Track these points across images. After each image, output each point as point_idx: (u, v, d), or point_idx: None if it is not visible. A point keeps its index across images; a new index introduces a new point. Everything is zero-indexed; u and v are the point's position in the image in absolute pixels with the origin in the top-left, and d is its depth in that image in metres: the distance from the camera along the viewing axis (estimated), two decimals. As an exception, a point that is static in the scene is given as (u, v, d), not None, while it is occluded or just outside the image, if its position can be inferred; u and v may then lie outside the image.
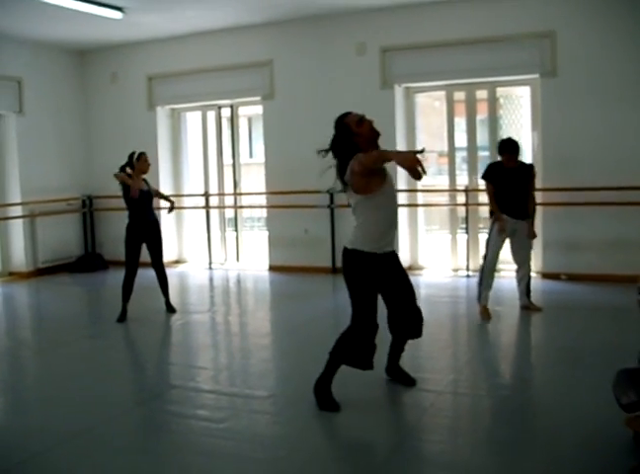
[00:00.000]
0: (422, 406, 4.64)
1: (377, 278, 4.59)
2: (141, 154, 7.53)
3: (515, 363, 5.81)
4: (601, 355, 5.46)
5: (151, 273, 7.79)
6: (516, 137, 7.33)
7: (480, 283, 7.12)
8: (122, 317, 7.54)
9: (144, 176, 7.60)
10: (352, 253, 4.57)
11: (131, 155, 7.54)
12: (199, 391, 5.10)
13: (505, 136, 7.49)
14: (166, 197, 8.13)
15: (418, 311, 4.83)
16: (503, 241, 7.05)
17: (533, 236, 7.15)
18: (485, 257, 7.14)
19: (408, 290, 4.78)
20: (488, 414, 4.58)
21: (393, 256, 4.70)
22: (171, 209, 8.07)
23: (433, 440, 4.11)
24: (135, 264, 7.63)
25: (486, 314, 7.03)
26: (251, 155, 18.12)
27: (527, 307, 7.24)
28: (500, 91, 9.83)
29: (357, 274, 4.57)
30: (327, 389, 4.63)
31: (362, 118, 4.55)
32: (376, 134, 4.56)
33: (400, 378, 5.09)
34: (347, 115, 4.61)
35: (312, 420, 4.43)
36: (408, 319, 4.81)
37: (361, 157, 4.34)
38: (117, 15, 9.10)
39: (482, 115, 9.88)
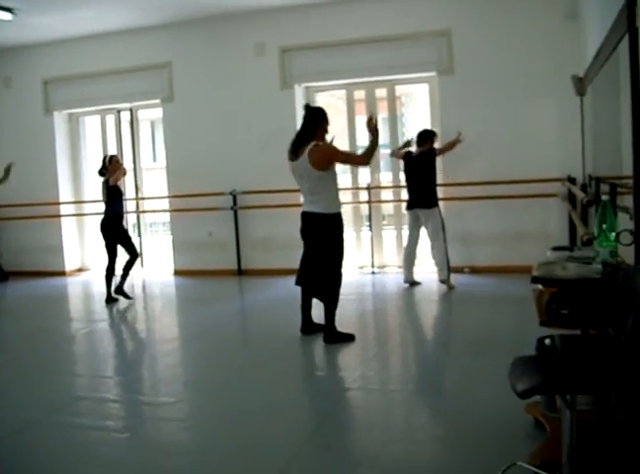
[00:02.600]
0: (328, 404, 4.65)
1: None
2: (112, 157, 8.54)
3: (418, 357, 5.87)
4: (503, 345, 5.58)
5: (57, 282, 7.75)
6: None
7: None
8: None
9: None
10: None
11: (104, 159, 8.54)
12: (103, 401, 4.96)
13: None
14: None
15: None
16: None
17: None
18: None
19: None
20: (395, 407, 4.62)
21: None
22: None
23: (339, 439, 4.12)
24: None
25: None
26: (154, 159, 17.85)
27: (443, 281, 8.05)
28: (401, 89, 9.98)
29: None
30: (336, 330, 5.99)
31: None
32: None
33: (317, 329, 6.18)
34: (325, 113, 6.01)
35: (219, 424, 4.36)
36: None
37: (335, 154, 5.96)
38: (6, 16, 8.79)
39: (384, 113, 9.99)
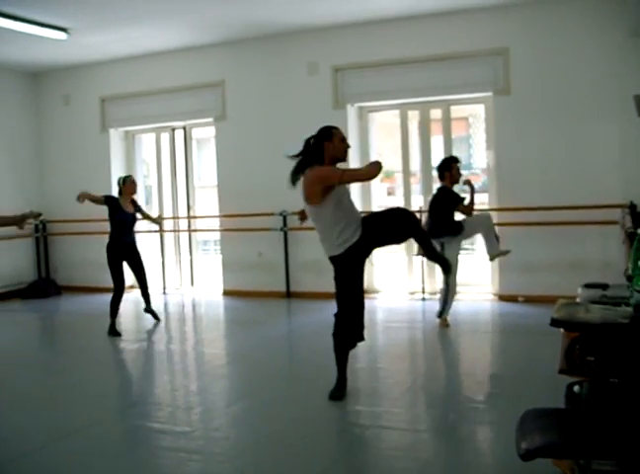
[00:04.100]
0: (346, 442, 4.39)
1: None
2: (126, 177, 8.08)
3: (449, 395, 5.49)
4: (537, 387, 5.19)
5: (108, 298, 8.00)
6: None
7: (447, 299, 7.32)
8: (112, 331, 7.81)
9: (134, 197, 8.08)
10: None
11: (118, 181, 8.06)
12: (117, 426, 4.83)
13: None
14: (152, 219, 8.64)
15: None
16: None
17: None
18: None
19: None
20: (413, 450, 4.30)
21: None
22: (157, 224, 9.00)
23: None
24: (121, 282, 7.96)
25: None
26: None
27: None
28: (468, 110, 9.65)
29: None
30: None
31: (345, 139, 4.97)
32: (342, 158, 4.95)
33: None
34: (335, 128, 4.97)
35: (230, 457, 4.17)
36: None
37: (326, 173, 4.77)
38: (61, 36, 8.90)
39: (439, 134, 9.67)
